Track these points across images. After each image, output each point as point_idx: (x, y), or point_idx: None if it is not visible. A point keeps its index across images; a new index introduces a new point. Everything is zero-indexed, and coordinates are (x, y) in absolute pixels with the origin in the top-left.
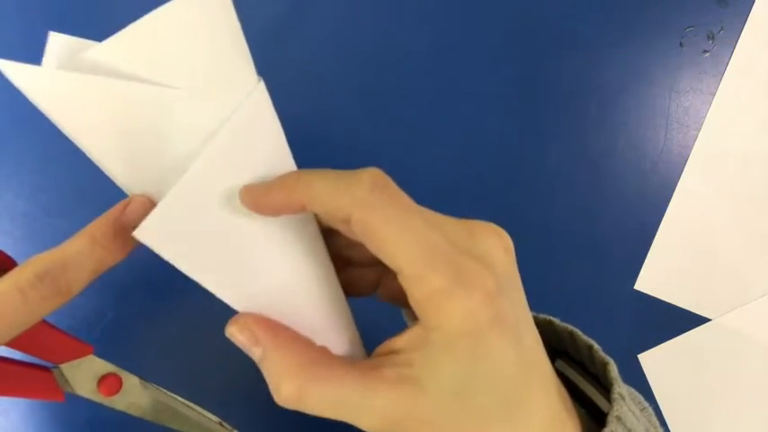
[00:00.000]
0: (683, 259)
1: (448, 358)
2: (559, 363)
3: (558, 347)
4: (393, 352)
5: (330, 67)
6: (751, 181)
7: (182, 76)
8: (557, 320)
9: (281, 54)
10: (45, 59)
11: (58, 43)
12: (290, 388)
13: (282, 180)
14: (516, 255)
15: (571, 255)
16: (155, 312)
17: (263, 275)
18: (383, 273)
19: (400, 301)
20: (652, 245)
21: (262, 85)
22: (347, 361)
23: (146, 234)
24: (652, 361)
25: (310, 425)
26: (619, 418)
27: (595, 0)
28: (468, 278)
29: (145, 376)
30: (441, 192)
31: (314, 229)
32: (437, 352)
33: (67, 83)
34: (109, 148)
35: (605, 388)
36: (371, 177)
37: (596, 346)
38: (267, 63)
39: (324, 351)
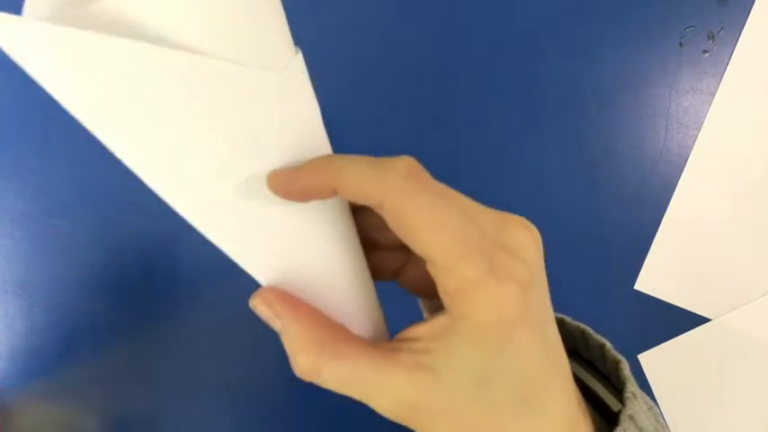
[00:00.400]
0: (683, 259)
1: (471, 349)
2: (570, 362)
3: (569, 346)
4: (413, 339)
5: (329, 66)
6: (751, 181)
7: (209, 41)
8: (569, 319)
9: None
10: (26, 7)
11: None
12: (306, 361)
13: (312, 164)
14: None
15: (571, 255)
16: (154, 312)
17: (290, 251)
18: (406, 259)
19: (420, 290)
20: (652, 245)
21: (300, 58)
22: (366, 341)
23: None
24: (652, 361)
25: (309, 424)
26: (631, 417)
27: (595, 0)
28: (501, 269)
29: (143, 378)
30: None
31: (345, 208)
32: (461, 342)
33: (68, 42)
34: (116, 124)
35: (615, 387)
36: (406, 164)
37: (608, 344)
38: None
39: (342, 329)
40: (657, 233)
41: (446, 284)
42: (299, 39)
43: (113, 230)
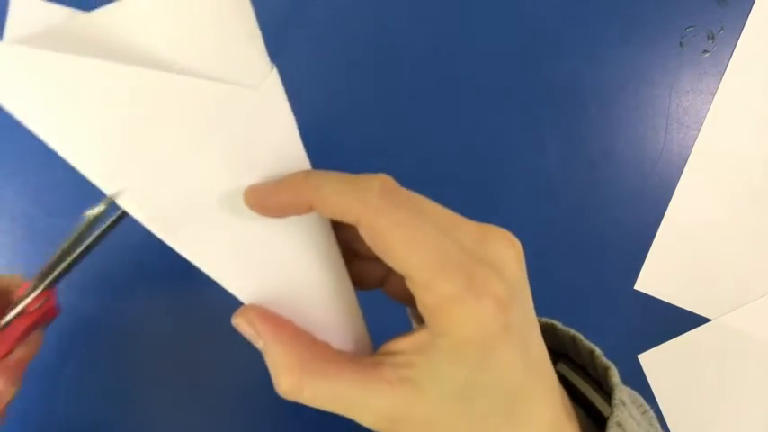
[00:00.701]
0: (683, 259)
1: (452, 364)
2: (561, 366)
3: (560, 351)
4: (396, 352)
5: (328, 67)
6: (751, 181)
7: (182, 59)
8: (559, 324)
9: (280, 55)
10: (7, 30)
11: (24, 9)
12: (289, 382)
13: (289, 180)
14: None
15: (571, 255)
16: (153, 312)
17: (270, 267)
18: (389, 268)
19: (406, 299)
20: (652, 245)
21: (275, 74)
22: (348, 357)
23: (166, 234)
24: (652, 361)
25: (306, 424)
26: (619, 424)
27: (596, 0)
28: (479, 285)
29: (143, 378)
30: (440, 192)
31: (325, 221)
32: (441, 357)
33: (38, 63)
34: (85, 146)
35: (606, 392)
36: (381, 182)
37: (598, 351)
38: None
39: (325, 347)
40: (657, 233)
41: (424, 300)
42: (296, 40)
43: (113, 230)
